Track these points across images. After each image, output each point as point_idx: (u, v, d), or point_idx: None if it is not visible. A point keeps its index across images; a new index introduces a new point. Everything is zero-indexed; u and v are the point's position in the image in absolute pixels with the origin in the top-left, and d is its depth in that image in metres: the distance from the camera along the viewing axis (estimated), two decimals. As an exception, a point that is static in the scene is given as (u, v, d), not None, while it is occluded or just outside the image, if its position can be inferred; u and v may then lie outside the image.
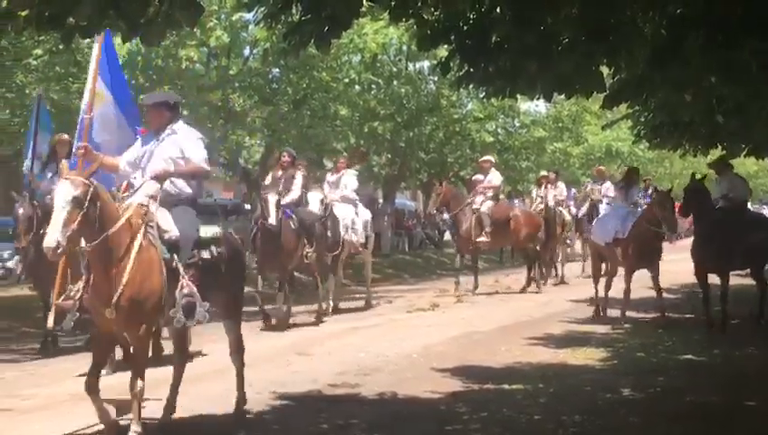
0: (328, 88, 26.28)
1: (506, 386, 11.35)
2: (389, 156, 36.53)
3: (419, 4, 9.72)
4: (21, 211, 14.28)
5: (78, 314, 8.81)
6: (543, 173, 28.71)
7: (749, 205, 18.52)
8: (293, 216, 17.20)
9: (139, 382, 8.60)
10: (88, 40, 13.92)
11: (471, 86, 11.91)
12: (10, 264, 22.96)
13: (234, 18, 21.78)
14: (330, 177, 20.57)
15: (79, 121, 12.42)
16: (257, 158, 33.19)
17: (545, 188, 26.08)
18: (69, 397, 10.47)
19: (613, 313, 17.26)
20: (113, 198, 8.94)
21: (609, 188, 26.93)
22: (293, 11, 9.04)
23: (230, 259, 9.58)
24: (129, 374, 8.82)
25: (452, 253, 27.39)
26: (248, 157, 35.62)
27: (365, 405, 10.51)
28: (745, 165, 42.73)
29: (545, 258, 25.32)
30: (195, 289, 8.87)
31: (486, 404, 10.29)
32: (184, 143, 9.48)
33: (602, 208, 23.11)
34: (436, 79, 32.08)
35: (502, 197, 25.56)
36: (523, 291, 23.22)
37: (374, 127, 30.97)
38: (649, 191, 27.85)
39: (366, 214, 20.70)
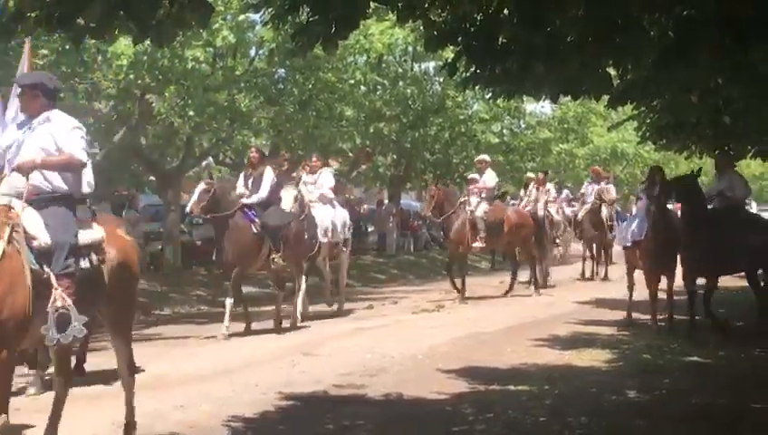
0: (333, 88, 26.24)
1: (512, 387, 11.35)
2: (395, 156, 36.57)
3: (426, 5, 9.72)
4: None
5: None
6: (530, 175, 28.42)
7: (754, 206, 18.35)
8: (256, 219, 16.56)
9: (3, 417, 7.43)
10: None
11: (477, 87, 11.91)
12: None
13: (240, 19, 21.76)
14: (306, 176, 19.92)
15: None
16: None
17: (536, 189, 25.54)
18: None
19: (618, 314, 17.30)
20: None
21: (607, 189, 26.97)
22: (300, 12, 9.06)
23: (118, 267, 8.35)
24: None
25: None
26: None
27: (370, 406, 10.51)
28: (751, 166, 42.69)
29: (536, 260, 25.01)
30: (70, 301, 7.53)
31: (492, 405, 10.29)
32: (57, 132, 8.09)
33: (634, 209, 21.89)
34: (441, 80, 32.10)
35: (508, 199, 25.51)
36: (506, 294, 22.67)
37: (380, 127, 30.97)
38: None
39: (343, 214, 20.38)
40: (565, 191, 30.75)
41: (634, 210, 20.50)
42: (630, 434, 9.41)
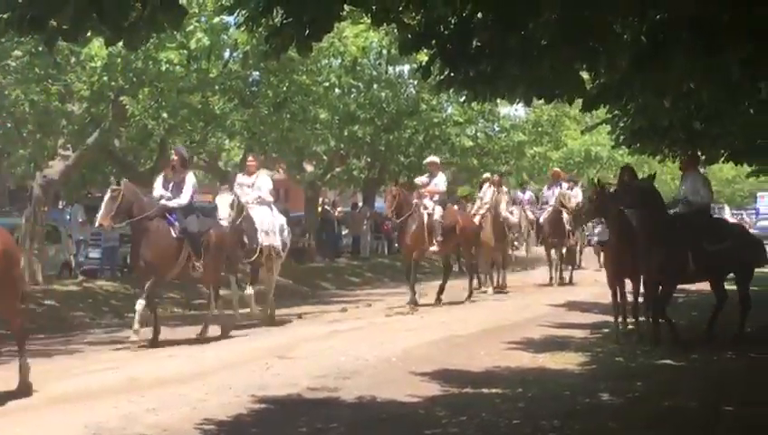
0: (308, 91, 26.26)
1: (485, 390, 11.35)
2: (369, 159, 36.63)
3: (400, 8, 9.73)
4: None
5: None
6: (486, 175, 27.50)
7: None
8: (176, 223, 15.68)
9: None
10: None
11: (451, 90, 11.94)
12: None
13: (214, 21, 21.73)
14: (241, 177, 19.22)
15: None
16: (237, 160, 33.22)
17: (493, 190, 24.54)
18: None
19: (592, 317, 17.35)
20: None
21: (569, 196, 26.71)
22: (275, 14, 9.05)
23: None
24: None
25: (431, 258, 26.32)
26: (228, 159, 35.66)
27: (344, 408, 10.49)
28: (723, 171, 42.94)
29: (488, 262, 24.79)
30: None
31: (465, 408, 10.28)
32: None
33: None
34: (416, 83, 32.14)
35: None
36: (467, 299, 22.16)
37: (354, 130, 30.97)
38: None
39: (281, 219, 19.27)
40: (529, 193, 30.09)
41: None
42: (603, 437, 9.44)
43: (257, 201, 18.50)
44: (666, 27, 9.86)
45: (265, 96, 25.42)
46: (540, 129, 40.39)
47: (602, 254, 17.06)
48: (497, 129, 38.28)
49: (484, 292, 24.02)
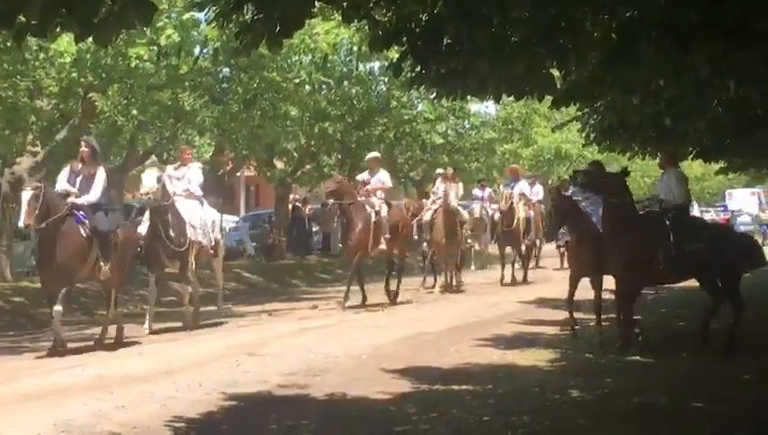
0: (278, 88, 26.22)
1: (455, 387, 11.37)
2: (339, 156, 36.56)
3: (371, 4, 9.74)
4: None
5: None
6: (440, 170, 26.94)
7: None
8: (86, 221, 14.40)
9: None
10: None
11: (422, 87, 11.94)
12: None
13: (184, 17, 21.65)
14: (171, 169, 18.08)
15: None
16: (207, 157, 33.15)
17: (446, 185, 23.50)
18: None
19: (562, 314, 17.36)
20: None
21: (525, 190, 26.61)
22: (245, 10, 9.03)
23: None
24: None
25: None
26: (198, 156, 35.55)
27: (314, 406, 10.49)
28: (693, 167, 43.16)
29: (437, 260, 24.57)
30: None
31: (436, 405, 10.30)
32: None
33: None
34: (386, 80, 32.08)
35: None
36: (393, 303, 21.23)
37: (324, 127, 30.96)
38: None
39: (213, 214, 18.34)
40: (488, 190, 29.47)
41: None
42: (573, 433, 9.46)
43: (185, 193, 17.60)
44: (635, 25, 9.90)
45: (236, 93, 25.37)
46: (510, 126, 40.42)
47: (566, 253, 17.02)
48: (468, 126, 38.31)
49: (431, 292, 23.81)
